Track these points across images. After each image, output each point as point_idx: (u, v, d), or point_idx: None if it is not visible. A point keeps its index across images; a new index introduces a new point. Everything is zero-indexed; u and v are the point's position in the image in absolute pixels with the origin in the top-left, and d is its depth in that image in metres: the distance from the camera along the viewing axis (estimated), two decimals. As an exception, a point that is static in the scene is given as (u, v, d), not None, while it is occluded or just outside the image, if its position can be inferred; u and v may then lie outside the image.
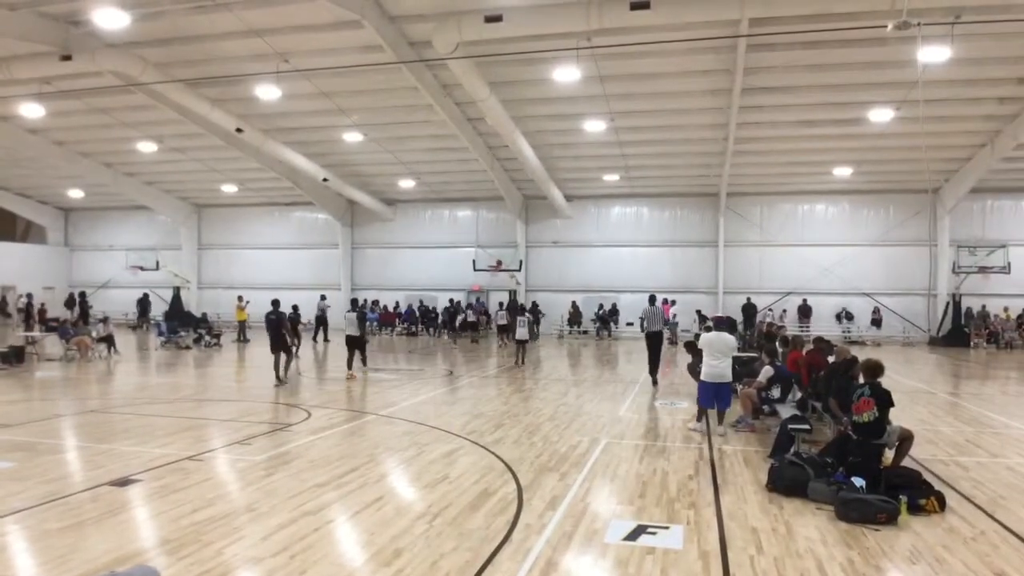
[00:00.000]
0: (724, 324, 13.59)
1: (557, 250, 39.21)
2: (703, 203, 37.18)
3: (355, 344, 20.05)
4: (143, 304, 42.62)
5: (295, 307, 24.93)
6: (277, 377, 17.94)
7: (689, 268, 37.51)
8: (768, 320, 33.14)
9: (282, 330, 18.58)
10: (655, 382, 18.48)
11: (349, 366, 19.78)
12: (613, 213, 38.63)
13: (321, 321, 32.98)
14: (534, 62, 23.81)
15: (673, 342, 30.82)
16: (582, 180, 35.75)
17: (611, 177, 34.69)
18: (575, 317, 38.14)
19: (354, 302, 22.61)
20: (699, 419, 12.88)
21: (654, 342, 18.50)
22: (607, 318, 37.15)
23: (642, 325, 19.52)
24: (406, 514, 8.06)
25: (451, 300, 38.69)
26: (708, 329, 13.39)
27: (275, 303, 19.11)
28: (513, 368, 22.62)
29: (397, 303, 40.09)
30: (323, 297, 35.44)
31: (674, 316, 33.84)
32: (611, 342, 34.08)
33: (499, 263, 37.55)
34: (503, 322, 31.17)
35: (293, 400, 15.89)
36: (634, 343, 31.89)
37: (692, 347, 15.32)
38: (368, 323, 31.80)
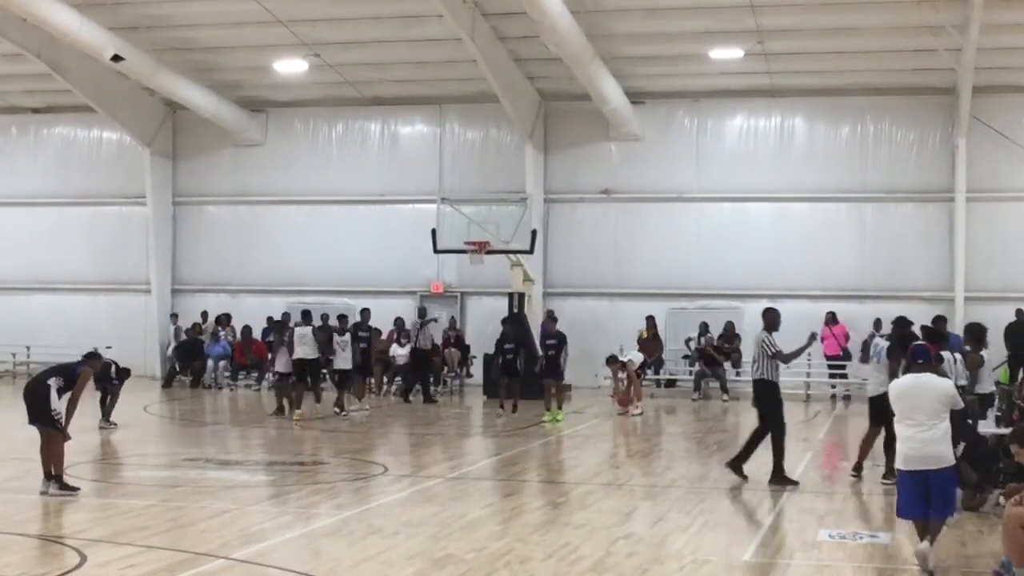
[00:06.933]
0: (924, 354, 8.72)
1: (610, 208, 25.83)
2: (919, 109, 24.59)
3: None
4: None
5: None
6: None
7: (892, 247, 24.72)
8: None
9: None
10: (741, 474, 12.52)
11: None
12: (730, 131, 25.93)
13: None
14: None
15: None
16: (665, 60, 24.53)
17: (727, 54, 24.06)
18: (651, 347, 23.75)
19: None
20: (922, 539, 8.48)
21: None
22: (719, 350, 23.45)
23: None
24: None
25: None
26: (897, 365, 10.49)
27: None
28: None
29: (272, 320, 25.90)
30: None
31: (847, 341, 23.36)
32: (725, 399, 22.57)
33: (484, 244, 22.50)
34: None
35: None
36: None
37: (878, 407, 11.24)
38: (215, 360, 23.45)
